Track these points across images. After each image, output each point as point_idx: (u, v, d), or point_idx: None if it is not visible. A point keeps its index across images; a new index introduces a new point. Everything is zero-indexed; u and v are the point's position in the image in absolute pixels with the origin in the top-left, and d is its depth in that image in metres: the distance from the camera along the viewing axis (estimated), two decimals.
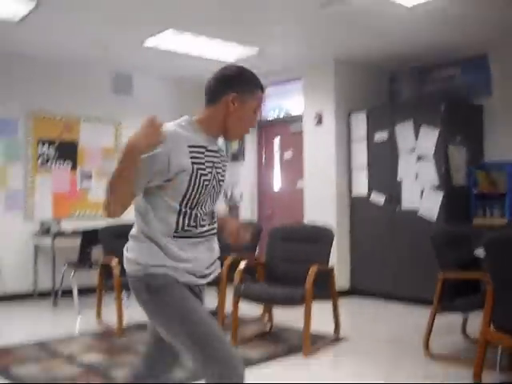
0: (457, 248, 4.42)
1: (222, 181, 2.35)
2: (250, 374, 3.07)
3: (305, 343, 4.50)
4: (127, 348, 4.73)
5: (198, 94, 8.86)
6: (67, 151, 7.32)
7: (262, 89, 2.33)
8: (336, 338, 4.95)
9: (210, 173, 2.23)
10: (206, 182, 2.20)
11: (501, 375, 3.88)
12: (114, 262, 5.30)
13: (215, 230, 2.38)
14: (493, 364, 3.95)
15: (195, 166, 2.17)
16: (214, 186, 2.26)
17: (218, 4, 5.34)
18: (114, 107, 7.71)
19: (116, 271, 5.22)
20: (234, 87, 2.26)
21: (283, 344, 4.79)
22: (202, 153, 2.22)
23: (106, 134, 7.65)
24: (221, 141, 2.42)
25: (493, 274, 3.52)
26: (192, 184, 2.17)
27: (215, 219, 2.37)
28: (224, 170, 2.36)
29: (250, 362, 4.22)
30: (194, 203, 2.21)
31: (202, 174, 2.19)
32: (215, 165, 2.28)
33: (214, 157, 2.28)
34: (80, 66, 7.34)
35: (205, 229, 2.28)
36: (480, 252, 4.01)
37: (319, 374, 4.21)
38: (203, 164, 2.21)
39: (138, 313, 5.40)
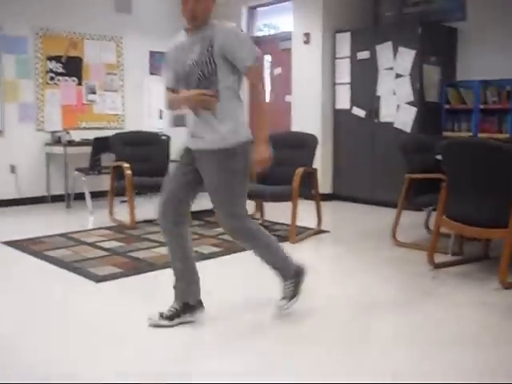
0: (422, 154, 5.18)
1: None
2: (245, 256, 3.94)
3: (291, 233, 5.34)
4: (141, 237, 5.56)
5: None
6: (73, 67, 7.90)
7: None
8: (318, 231, 5.79)
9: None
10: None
11: (451, 258, 4.74)
12: (126, 165, 6.05)
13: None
14: (446, 250, 4.83)
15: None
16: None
17: None
18: (115, 25, 8.23)
19: (128, 172, 5.98)
20: None
21: (272, 234, 5.62)
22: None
23: (108, 50, 8.21)
24: None
25: (447, 173, 4.31)
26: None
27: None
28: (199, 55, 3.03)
29: (243, 248, 5.06)
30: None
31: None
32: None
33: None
34: None
35: None
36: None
37: (303, 256, 5.01)
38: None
39: (145, 211, 6.26)
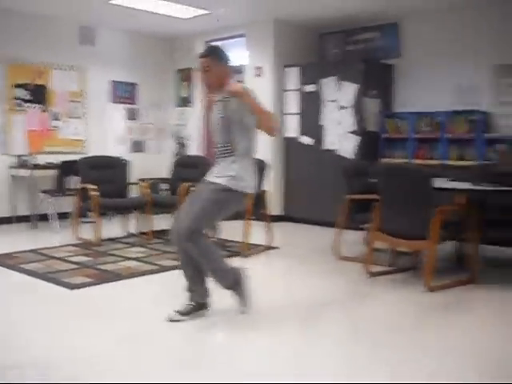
0: (361, 178, 5.84)
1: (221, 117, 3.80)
2: None
3: (243, 247, 5.92)
4: (106, 253, 6.05)
5: (152, 47, 10.14)
6: (39, 94, 8.37)
7: (200, 56, 3.87)
8: (268, 247, 6.39)
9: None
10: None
11: (386, 268, 5.39)
12: (92, 186, 6.55)
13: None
14: (384, 262, 5.48)
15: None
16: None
17: None
18: (79, 56, 8.75)
19: (94, 193, 6.47)
20: None
21: (226, 250, 6.22)
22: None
23: (72, 80, 8.71)
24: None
25: (379, 194, 4.98)
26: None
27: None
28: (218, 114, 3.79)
29: None
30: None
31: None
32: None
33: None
34: (51, 18, 8.32)
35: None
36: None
37: (254, 268, 5.63)
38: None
39: (107, 230, 6.72)
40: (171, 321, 3.81)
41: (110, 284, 4.80)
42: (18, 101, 8.18)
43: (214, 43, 9.44)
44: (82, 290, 4.60)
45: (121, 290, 4.72)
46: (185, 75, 9.81)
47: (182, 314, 3.86)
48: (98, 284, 4.77)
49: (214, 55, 3.87)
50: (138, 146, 9.60)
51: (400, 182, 4.76)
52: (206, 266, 3.81)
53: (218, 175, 3.78)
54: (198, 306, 3.91)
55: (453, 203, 4.94)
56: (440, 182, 5.00)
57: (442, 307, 4.30)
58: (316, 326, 3.88)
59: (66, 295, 4.48)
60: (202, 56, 3.86)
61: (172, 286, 4.46)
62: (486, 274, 5.11)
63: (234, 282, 3.92)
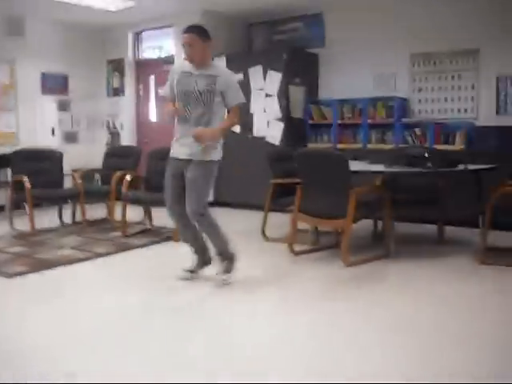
0: (284, 163, 6.19)
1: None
2: (137, 255, 4.84)
3: (175, 234, 6.18)
4: (42, 242, 6.20)
5: (83, 38, 10.14)
6: None
7: (182, 32, 4.30)
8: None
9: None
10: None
11: (309, 247, 5.78)
12: (25, 178, 6.67)
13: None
14: (306, 242, 5.86)
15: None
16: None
17: None
18: (8, 48, 8.76)
19: (27, 185, 6.61)
20: None
21: (161, 235, 6.50)
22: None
23: (2, 71, 8.73)
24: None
25: (301, 177, 5.34)
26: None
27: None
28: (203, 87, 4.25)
29: (137, 246, 5.90)
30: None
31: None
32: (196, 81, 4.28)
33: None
34: None
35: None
36: None
37: (185, 250, 5.94)
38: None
39: (41, 221, 6.85)
40: (182, 279, 4.54)
41: (49, 271, 4.99)
42: None
43: (143, 33, 9.67)
44: (20, 277, 4.78)
45: (59, 276, 4.92)
46: (115, 65, 9.94)
47: (192, 271, 4.61)
48: (36, 271, 4.95)
49: (197, 32, 4.29)
50: (70, 137, 9.70)
51: (320, 165, 5.13)
52: (212, 236, 4.53)
53: (201, 151, 4.28)
54: (202, 263, 4.70)
55: (368, 185, 5.36)
56: (358, 165, 5.41)
57: (357, 279, 4.71)
58: (246, 300, 4.21)
59: (5, 284, 4.66)
60: (186, 32, 4.28)
61: (109, 270, 4.71)
62: (399, 249, 5.55)
63: (230, 255, 4.59)
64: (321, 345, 3.30)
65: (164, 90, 4.54)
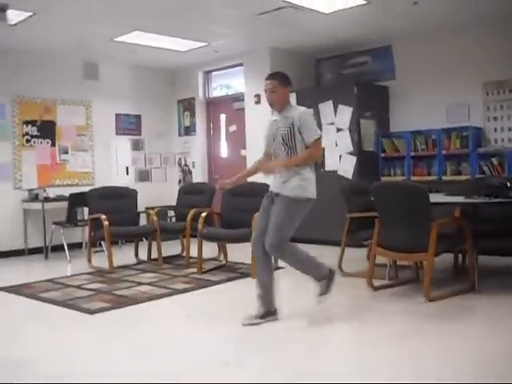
0: (360, 196, 6.11)
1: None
2: (213, 292, 4.86)
3: (252, 270, 6.15)
4: (120, 279, 6.29)
5: (154, 79, 10.45)
6: (47, 130, 8.70)
7: (265, 78, 4.48)
8: (276, 267, 6.60)
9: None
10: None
11: (388, 282, 5.64)
12: (103, 216, 6.82)
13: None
14: (384, 276, 5.73)
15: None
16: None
17: (176, 8, 6.74)
18: (84, 90, 9.09)
19: (106, 222, 6.75)
20: None
21: (236, 271, 6.49)
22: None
23: (78, 114, 9.05)
24: None
25: (378, 211, 5.25)
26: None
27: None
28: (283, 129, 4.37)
29: (213, 284, 5.90)
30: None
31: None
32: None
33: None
34: (56, 56, 8.66)
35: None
36: None
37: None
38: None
39: (118, 258, 6.98)
40: (245, 325, 4.30)
41: (128, 308, 5.04)
42: (28, 137, 8.50)
43: (212, 72, 9.86)
44: (101, 314, 4.84)
45: (139, 312, 4.96)
46: (186, 105, 10.14)
47: (257, 317, 4.37)
48: (117, 308, 5.01)
49: (279, 79, 4.45)
50: (143, 176, 9.91)
51: (399, 198, 5.03)
52: (298, 265, 4.50)
53: (286, 187, 4.35)
54: (267, 313, 4.43)
55: (448, 217, 5.21)
56: (436, 197, 5.27)
57: (441, 315, 4.54)
58: (325, 336, 4.12)
59: (87, 320, 4.73)
60: (269, 78, 4.47)
61: (186, 306, 4.71)
62: (484, 283, 5.34)
63: (326, 273, 4.54)
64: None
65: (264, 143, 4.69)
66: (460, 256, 6.03)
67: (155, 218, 7.29)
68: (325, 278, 4.52)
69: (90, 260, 7.17)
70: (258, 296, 4.45)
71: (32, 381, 3.37)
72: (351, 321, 4.50)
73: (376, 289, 5.34)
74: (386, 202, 5.16)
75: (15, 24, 6.93)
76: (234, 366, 3.56)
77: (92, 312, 4.88)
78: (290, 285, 5.98)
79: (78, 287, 5.93)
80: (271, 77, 4.47)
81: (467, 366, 3.42)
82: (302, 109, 4.53)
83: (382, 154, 8.20)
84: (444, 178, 7.61)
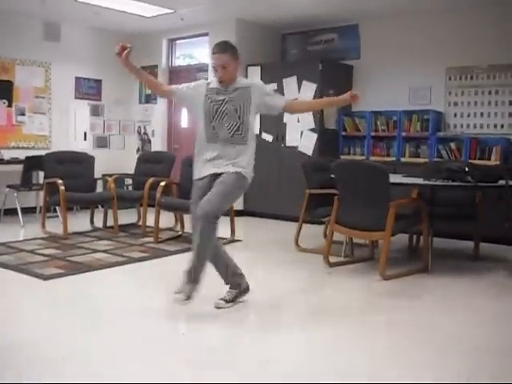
0: (320, 173, 6.13)
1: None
2: (169, 262, 4.83)
3: None
4: (75, 245, 6.20)
5: (116, 44, 10.09)
6: (4, 90, 8.44)
7: (213, 52, 3.95)
8: (232, 240, 6.63)
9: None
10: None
11: (344, 259, 5.71)
12: (59, 181, 6.69)
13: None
14: (340, 254, 5.79)
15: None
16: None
17: None
18: (44, 52, 8.84)
19: (62, 188, 6.62)
20: None
21: (190, 244, 6.45)
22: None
23: (37, 75, 8.80)
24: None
25: (338, 188, 5.28)
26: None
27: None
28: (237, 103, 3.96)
29: (169, 254, 5.87)
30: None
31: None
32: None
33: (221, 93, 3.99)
34: (16, 14, 8.38)
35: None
36: None
37: None
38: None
39: (73, 224, 6.86)
40: (218, 308, 4.02)
41: (83, 275, 4.98)
42: None
43: (177, 40, 9.71)
44: (55, 280, 4.77)
45: (93, 280, 4.90)
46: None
47: (227, 301, 4.07)
48: (71, 275, 4.94)
49: (231, 51, 3.97)
50: (101, 142, 9.74)
51: (359, 176, 5.07)
52: (200, 248, 3.86)
53: (236, 164, 3.97)
54: (240, 291, 4.18)
55: (405, 198, 5.28)
56: (395, 178, 5.33)
57: (395, 293, 4.63)
58: (279, 312, 4.16)
59: (40, 286, 4.65)
60: (219, 52, 3.93)
61: (141, 275, 4.68)
62: (437, 264, 5.45)
63: (243, 286, 4.21)
64: (354, 359, 3.23)
65: (178, 87, 4.12)
66: (415, 237, 6.14)
67: (112, 186, 7.19)
68: (238, 289, 4.16)
69: (43, 225, 7.03)
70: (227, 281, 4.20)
71: None
72: (307, 295, 4.56)
73: (332, 265, 5.40)
74: (346, 180, 5.20)
75: None
76: (188, 335, 3.56)
77: (46, 278, 4.79)
78: (246, 258, 5.99)
79: (32, 252, 5.82)
80: (221, 50, 3.92)
81: (419, 339, 3.50)
82: (257, 81, 4.25)
83: (343, 133, 8.24)
84: (403, 159, 7.70)
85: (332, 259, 5.46)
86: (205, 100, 3.99)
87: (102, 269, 5.19)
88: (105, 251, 5.94)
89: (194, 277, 3.85)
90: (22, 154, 8.11)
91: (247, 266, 5.68)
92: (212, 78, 4.13)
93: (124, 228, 7.29)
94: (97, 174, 8.38)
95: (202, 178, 4.06)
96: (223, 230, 6.64)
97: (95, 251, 5.93)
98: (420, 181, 5.35)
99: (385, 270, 4.93)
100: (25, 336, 3.46)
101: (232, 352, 3.33)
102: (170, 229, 7.21)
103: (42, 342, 3.36)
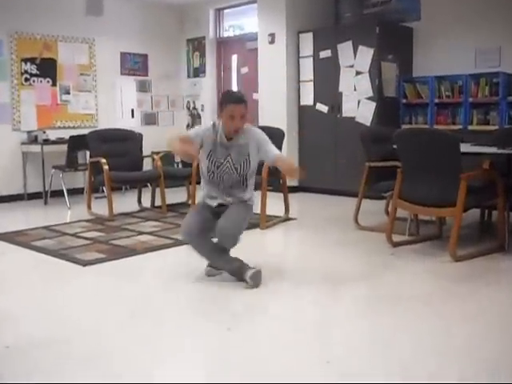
0: (380, 144, 5.60)
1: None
2: None
3: (261, 220, 5.73)
4: (120, 227, 5.89)
5: (161, 16, 9.80)
6: (47, 68, 8.18)
7: (234, 102, 3.81)
8: (286, 218, 6.20)
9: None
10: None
11: (408, 237, 5.19)
12: (103, 160, 6.38)
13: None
14: (404, 232, 5.27)
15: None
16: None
17: None
18: (87, 27, 8.52)
19: (105, 167, 6.31)
20: (220, 104, 3.93)
21: None
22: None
23: (81, 52, 8.51)
24: None
25: (401, 160, 4.76)
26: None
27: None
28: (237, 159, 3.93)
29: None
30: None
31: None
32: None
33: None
34: None
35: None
36: None
37: (273, 239, 5.52)
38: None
39: (120, 205, 6.62)
40: (209, 275, 4.08)
41: (124, 260, 4.64)
42: (26, 75, 7.99)
43: (224, 10, 9.24)
44: (94, 266, 4.44)
45: (135, 265, 4.56)
46: (196, 45, 9.56)
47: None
48: (112, 260, 4.61)
49: (246, 101, 3.91)
50: (150, 119, 9.41)
51: (426, 147, 4.52)
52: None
53: (243, 197, 4.03)
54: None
55: (476, 169, 4.72)
56: (464, 148, 4.75)
57: (469, 278, 4.10)
58: (338, 296, 3.70)
59: (78, 272, 4.33)
60: (239, 102, 3.85)
61: (188, 260, 4.28)
62: None
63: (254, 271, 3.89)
64: (422, 357, 2.75)
65: (191, 133, 4.06)
66: (486, 211, 5.56)
67: (159, 163, 6.84)
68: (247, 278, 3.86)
69: (89, 206, 6.76)
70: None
71: (12, 338, 3.00)
72: (368, 279, 4.07)
73: (395, 245, 4.89)
74: (410, 151, 4.65)
75: None
76: (234, 330, 3.15)
77: (85, 263, 4.47)
78: (302, 237, 5.56)
79: (74, 235, 5.54)
80: (240, 100, 3.87)
81: (499, 332, 3.00)
82: (254, 130, 4.00)
83: (404, 101, 7.62)
84: (470, 127, 7.06)
85: (395, 238, 4.95)
86: (210, 152, 3.96)
87: (145, 252, 4.84)
88: (151, 233, 5.60)
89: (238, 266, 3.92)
90: (67, 134, 7.84)
91: (302, 246, 5.31)
92: (218, 125, 3.95)
93: (173, 207, 6.95)
94: (146, 152, 8.12)
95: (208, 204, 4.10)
96: (277, 207, 6.33)
97: (140, 233, 5.60)
98: (494, 149, 4.77)
99: (455, 251, 4.39)
100: (57, 331, 3.12)
101: (289, 334, 2.91)
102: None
103: (76, 338, 3.02)
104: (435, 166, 4.46)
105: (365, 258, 4.67)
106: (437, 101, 7.34)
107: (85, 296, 3.79)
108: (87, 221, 6.30)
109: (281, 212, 6.25)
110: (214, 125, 3.97)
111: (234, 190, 4.02)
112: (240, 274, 3.87)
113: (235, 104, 3.82)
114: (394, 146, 4.95)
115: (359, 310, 3.48)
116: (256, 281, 3.80)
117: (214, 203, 4.04)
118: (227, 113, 3.82)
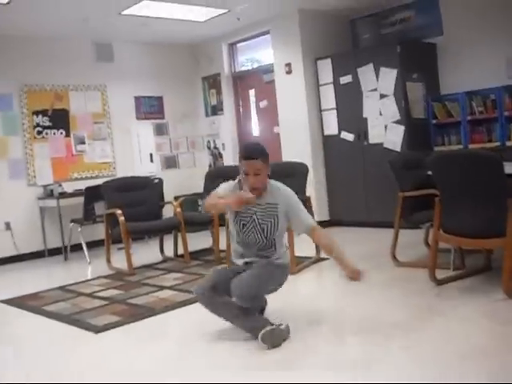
0: (413, 171, 5.14)
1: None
2: None
3: (291, 263, 5.25)
4: (140, 282, 5.50)
5: (173, 56, 9.47)
6: (60, 119, 7.93)
7: (245, 158, 3.55)
8: (318, 259, 5.73)
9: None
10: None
11: (454, 272, 4.67)
12: (118, 211, 6.02)
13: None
14: (448, 265, 4.75)
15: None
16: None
17: None
18: (98, 74, 8.28)
19: (121, 218, 5.94)
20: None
21: None
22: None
23: (93, 99, 8.25)
24: None
25: (439, 188, 4.28)
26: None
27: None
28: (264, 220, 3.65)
29: None
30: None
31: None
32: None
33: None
34: (63, 39, 7.85)
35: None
36: None
37: (305, 284, 5.05)
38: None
39: (142, 256, 6.26)
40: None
41: (140, 323, 4.22)
42: (39, 128, 7.75)
43: (237, 44, 8.92)
44: (107, 332, 4.03)
45: (151, 328, 4.13)
46: (211, 82, 9.24)
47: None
48: (126, 323, 4.18)
49: (263, 156, 3.61)
50: (170, 162, 9.08)
51: (465, 171, 4.03)
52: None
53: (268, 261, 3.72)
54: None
55: None
56: (509, 168, 4.26)
57: None
58: (377, 349, 3.21)
59: (89, 340, 3.92)
60: (251, 157, 3.57)
61: (211, 318, 3.84)
62: None
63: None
64: None
65: (219, 191, 3.74)
66: None
67: (178, 210, 6.46)
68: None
69: (109, 260, 6.39)
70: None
71: None
72: (412, 330, 3.54)
73: (440, 283, 4.39)
74: (448, 177, 4.16)
75: (7, 3, 6.14)
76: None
77: (97, 330, 4.06)
78: (336, 280, 5.07)
79: (90, 295, 5.16)
80: (253, 155, 3.57)
81: None
82: (285, 191, 3.71)
83: (434, 121, 7.14)
84: (508, 143, 6.55)
85: (439, 273, 4.44)
86: (236, 211, 3.68)
87: (165, 312, 4.41)
88: (171, 287, 5.18)
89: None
90: (85, 185, 7.50)
91: (337, 290, 4.82)
92: (243, 181, 3.67)
93: (197, 255, 6.56)
94: (168, 197, 7.79)
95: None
96: (307, 247, 5.86)
97: (161, 288, 5.19)
98: None
99: (510, 286, 3.87)
100: None
101: None
102: None
103: None
104: (477, 191, 3.97)
105: (406, 300, 4.16)
106: (469, 118, 6.86)
107: (93, 367, 3.37)
108: (106, 277, 5.92)
109: (311, 252, 5.78)
110: (239, 181, 3.70)
111: (261, 251, 3.73)
112: (255, 334, 3.41)
113: (246, 160, 3.57)
114: (429, 173, 4.49)
115: (401, 373, 2.97)
116: (271, 340, 3.35)
117: (241, 262, 3.78)
118: (241, 169, 3.60)
